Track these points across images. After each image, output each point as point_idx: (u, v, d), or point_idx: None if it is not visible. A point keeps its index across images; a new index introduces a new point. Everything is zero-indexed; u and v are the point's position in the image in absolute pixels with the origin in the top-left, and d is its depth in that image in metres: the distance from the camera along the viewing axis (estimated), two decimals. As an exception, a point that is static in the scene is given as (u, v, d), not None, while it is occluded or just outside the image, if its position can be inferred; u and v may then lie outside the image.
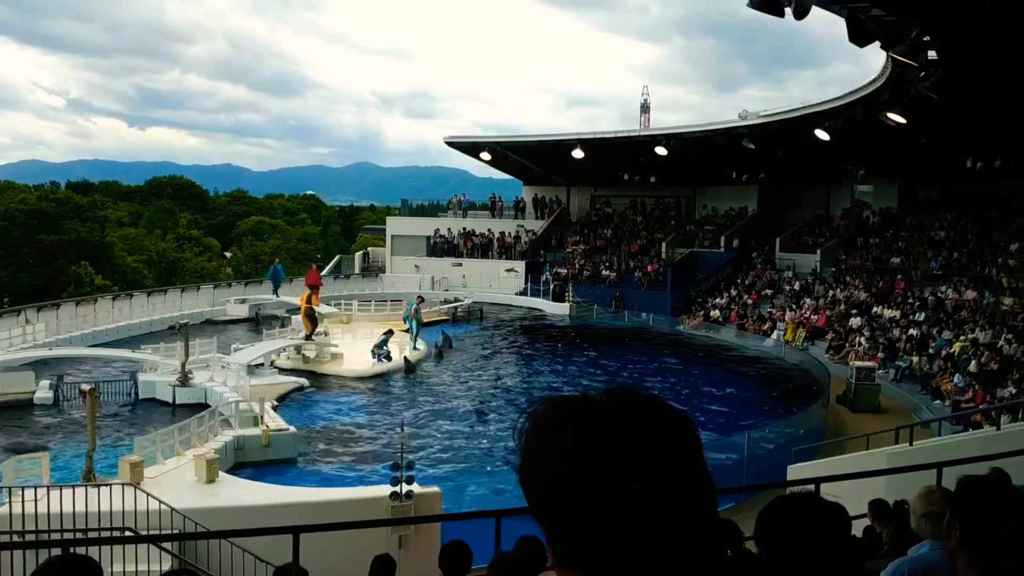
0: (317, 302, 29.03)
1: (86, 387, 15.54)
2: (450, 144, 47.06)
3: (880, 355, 26.61)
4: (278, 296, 35.67)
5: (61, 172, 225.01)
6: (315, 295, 28.93)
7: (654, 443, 1.00)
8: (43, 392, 21.41)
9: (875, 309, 30.44)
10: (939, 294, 29.37)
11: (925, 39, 16.11)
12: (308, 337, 27.15)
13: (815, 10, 12.57)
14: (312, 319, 27.35)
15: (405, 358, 27.12)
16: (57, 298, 38.22)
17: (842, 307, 31.69)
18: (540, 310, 40.42)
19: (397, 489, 12.39)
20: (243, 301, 37.08)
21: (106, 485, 11.79)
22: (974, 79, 20.24)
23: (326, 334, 28.46)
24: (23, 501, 11.69)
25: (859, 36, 13.58)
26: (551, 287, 40.99)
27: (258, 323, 34.25)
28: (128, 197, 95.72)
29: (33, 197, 65.08)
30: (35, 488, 11.95)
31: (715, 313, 36.15)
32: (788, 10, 11.73)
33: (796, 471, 13.57)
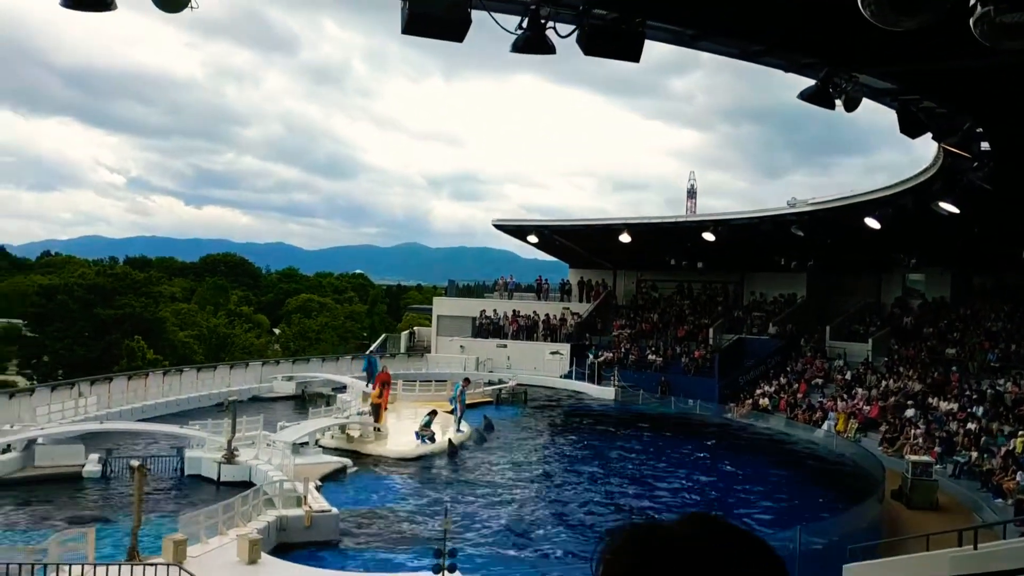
0: (387, 399, 29.59)
1: (135, 463, 15.70)
2: (498, 227, 47.56)
3: (937, 449, 25.74)
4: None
5: (120, 248, 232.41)
6: (387, 391, 29.42)
7: None
8: (92, 466, 21.65)
9: (930, 400, 29.60)
10: (997, 387, 28.51)
11: (978, 131, 16.04)
12: (376, 429, 27.42)
13: (864, 100, 12.64)
14: (377, 412, 27.82)
15: (449, 440, 26.99)
16: (110, 371, 39.00)
17: (895, 398, 30.87)
18: (585, 394, 40.08)
19: (440, 577, 12.18)
20: (290, 378, 37.45)
21: (150, 564, 11.81)
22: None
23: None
24: (68, 578, 11.73)
25: (911, 128, 13.53)
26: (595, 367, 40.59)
27: (304, 401, 34.46)
28: (183, 273, 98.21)
29: (92, 272, 67.12)
30: (82, 565, 11.99)
31: (764, 401, 35.46)
32: (839, 102, 11.77)
33: (853, 572, 13.05)
